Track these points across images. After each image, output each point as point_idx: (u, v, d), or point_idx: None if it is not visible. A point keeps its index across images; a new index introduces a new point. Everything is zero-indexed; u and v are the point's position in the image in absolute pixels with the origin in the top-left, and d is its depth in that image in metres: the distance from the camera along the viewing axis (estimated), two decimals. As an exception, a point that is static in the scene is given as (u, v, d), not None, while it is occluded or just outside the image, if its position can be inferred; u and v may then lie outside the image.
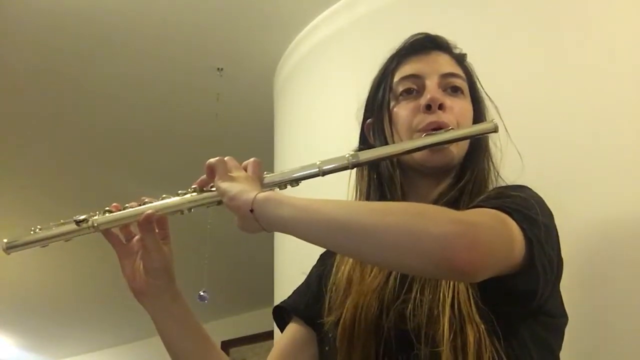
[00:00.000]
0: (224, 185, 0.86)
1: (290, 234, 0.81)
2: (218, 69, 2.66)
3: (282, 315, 1.07)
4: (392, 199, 0.98)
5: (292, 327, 1.04)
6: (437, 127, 0.94)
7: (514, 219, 0.78)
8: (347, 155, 0.91)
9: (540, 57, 1.63)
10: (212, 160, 0.90)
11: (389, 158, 0.96)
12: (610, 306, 1.33)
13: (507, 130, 1.02)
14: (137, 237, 0.97)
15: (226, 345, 4.99)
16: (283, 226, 0.80)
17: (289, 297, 1.08)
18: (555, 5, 1.65)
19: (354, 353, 0.87)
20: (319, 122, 2.25)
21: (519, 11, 1.71)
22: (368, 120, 1.06)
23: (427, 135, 0.93)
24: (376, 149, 0.97)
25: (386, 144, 1.00)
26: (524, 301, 0.81)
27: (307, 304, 1.02)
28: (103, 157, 3.33)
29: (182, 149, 3.19)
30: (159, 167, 3.36)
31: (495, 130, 0.94)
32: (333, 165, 0.91)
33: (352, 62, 2.12)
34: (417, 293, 0.85)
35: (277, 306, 1.08)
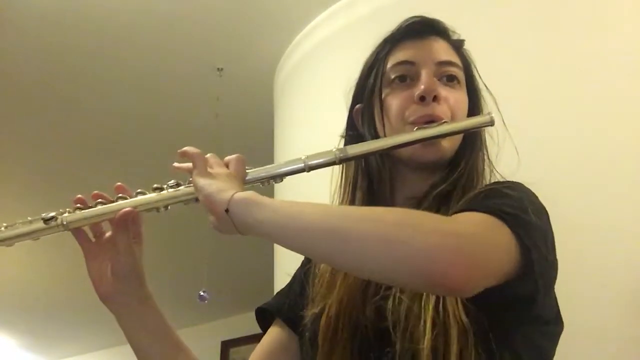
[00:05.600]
0: (201, 181, 0.83)
1: (266, 239, 0.76)
2: (218, 69, 2.66)
3: (265, 316, 1.03)
4: (380, 192, 0.94)
5: (274, 330, 1.00)
6: (431, 120, 0.90)
7: (507, 224, 0.74)
8: (334, 150, 0.87)
9: (540, 55, 1.63)
10: (190, 149, 0.87)
11: (379, 152, 0.91)
12: (599, 305, 1.33)
13: (504, 123, 0.97)
14: (107, 235, 0.91)
15: (226, 345, 4.99)
16: (259, 229, 0.76)
17: (272, 299, 1.04)
18: (555, 3, 1.65)
19: (336, 349, 0.84)
20: (319, 122, 2.25)
21: (520, 9, 1.72)
22: (357, 106, 1.01)
23: (418, 128, 0.88)
24: (365, 143, 0.92)
25: (375, 133, 0.95)
26: (521, 308, 0.77)
27: (290, 305, 0.98)
28: (101, 157, 3.33)
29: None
30: (159, 167, 3.35)
31: (491, 123, 0.89)
32: (320, 160, 0.87)
33: (352, 61, 2.11)
34: (397, 289, 0.81)
35: (259, 308, 1.03)
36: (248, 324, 4.62)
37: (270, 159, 2.57)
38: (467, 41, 1.03)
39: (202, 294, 2.31)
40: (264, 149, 2.67)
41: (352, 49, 2.20)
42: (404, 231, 0.67)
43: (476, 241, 0.69)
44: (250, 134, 3.01)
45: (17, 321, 5.52)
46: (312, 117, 2.30)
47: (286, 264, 2.22)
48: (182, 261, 3.49)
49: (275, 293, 1.05)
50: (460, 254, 0.66)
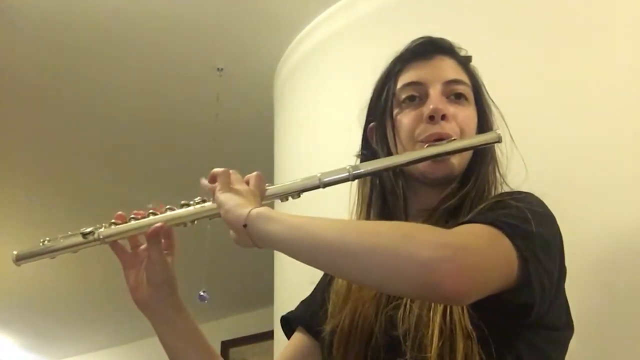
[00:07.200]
0: (222, 197, 0.87)
1: (281, 252, 0.81)
2: (218, 69, 2.65)
3: (289, 325, 1.08)
4: (394, 208, 0.98)
5: (296, 337, 1.04)
6: (440, 139, 0.93)
7: (506, 235, 0.76)
8: (347, 167, 0.91)
9: (542, 60, 1.62)
10: (217, 170, 0.91)
11: (390, 169, 0.96)
12: (615, 313, 1.32)
13: (511, 137, 1.01)
14: (143, 247, 0.98)
15: (226, 345, 4.98)
16: (273, 243, 0.80)
17: (296, 307, 1.09)
18: (558, 6, 1.65)
19: (348, 358, 0.87)
20: (319, 122, 2.25)
21: (521, 13, 1.71)
22: (371, 124, 1.05)
23: (429, 146, 0.93)
24: (377, 160, 0.96)
25: (388, 151, 0.99)
26: (519, 316, 0.79)
27: (312, 314, 1.02)
28: (102, 158, 3.32)
29: (182, 149, 3.19)
30: (159, 167, 3.36)
31: (498, 140, 0.93)
32: (333, 177, 0.91)
33: (352, 62, 2.12)
34: (408, 298, 0.84)
35: (283, 316, 1.09)
36: (248, 324, 4.66)
37: (270, 159, 2.57)
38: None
39: (202, 294, 2.30)
40: (264, 149, 2.67)
41: (352, 49, 2.21)
42: (408, 244, 0.70)
43: (470, 252, 0.72)
44: (250, 134, 3.01)
45: (17, 321, 5.52)
46: (312, 116, 2.30)
47: (286, 264, 2.23)
48: (182, 261, 3.49)
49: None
50: (453, 265, 0.68)
